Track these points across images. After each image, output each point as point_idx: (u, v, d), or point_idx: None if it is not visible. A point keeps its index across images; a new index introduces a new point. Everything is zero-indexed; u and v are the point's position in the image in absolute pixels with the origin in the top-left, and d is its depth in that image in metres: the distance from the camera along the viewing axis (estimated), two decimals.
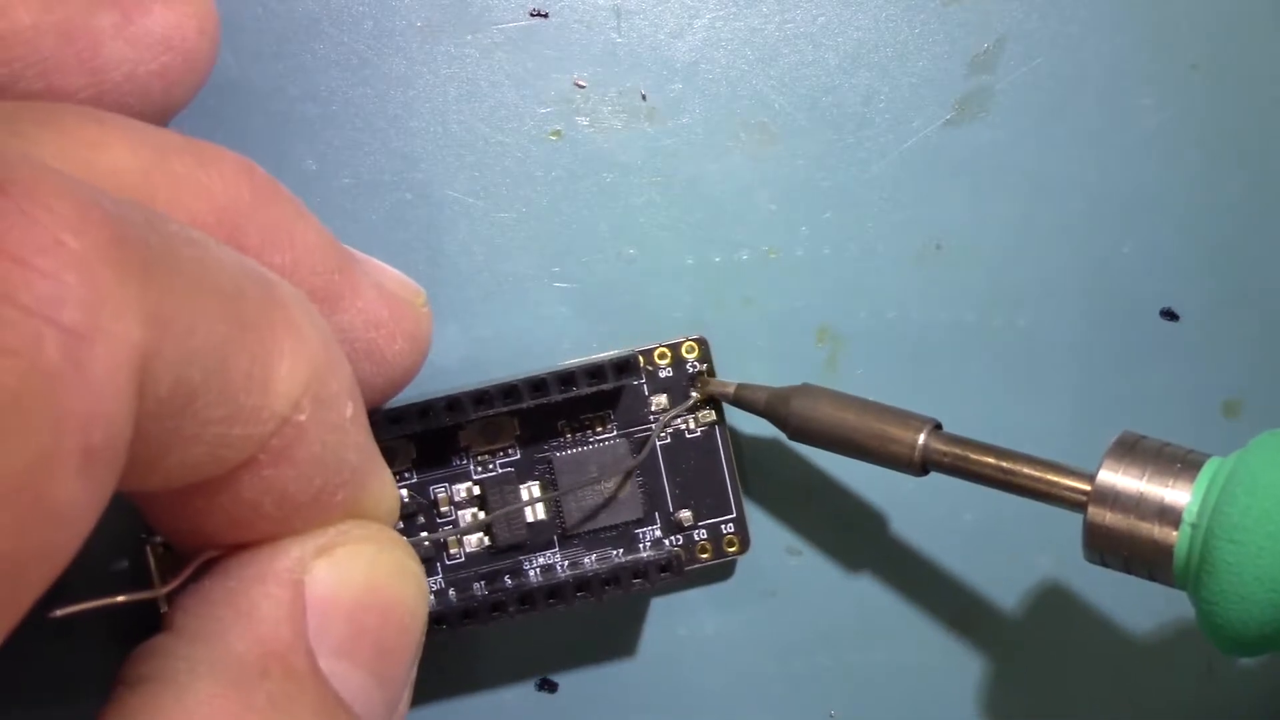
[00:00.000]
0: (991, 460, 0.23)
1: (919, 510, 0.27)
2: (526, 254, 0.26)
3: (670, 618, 0.27)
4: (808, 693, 0.27)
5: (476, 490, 0.25)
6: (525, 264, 0.26)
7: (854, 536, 0.27)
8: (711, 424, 0.26)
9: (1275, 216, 0.28)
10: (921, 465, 0.24)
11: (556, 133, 0.26)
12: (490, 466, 0.25)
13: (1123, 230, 0.28)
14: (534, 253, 0.26)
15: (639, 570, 0.24)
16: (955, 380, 0.27)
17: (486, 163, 0.26)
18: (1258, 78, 0.28)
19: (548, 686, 0.26)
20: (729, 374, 0.26)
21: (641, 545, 0.25)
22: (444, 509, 0.25)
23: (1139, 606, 0.28)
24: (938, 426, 0.24)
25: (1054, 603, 0.28)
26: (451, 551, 0.25)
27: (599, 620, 0.27)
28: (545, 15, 0.26)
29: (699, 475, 0.26)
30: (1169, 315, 0.28)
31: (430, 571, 0.24)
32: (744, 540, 0.26)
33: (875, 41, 0.27)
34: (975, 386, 0.27)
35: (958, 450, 0.24)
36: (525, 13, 0.26)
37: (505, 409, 0.24)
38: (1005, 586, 0.28)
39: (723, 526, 0.26)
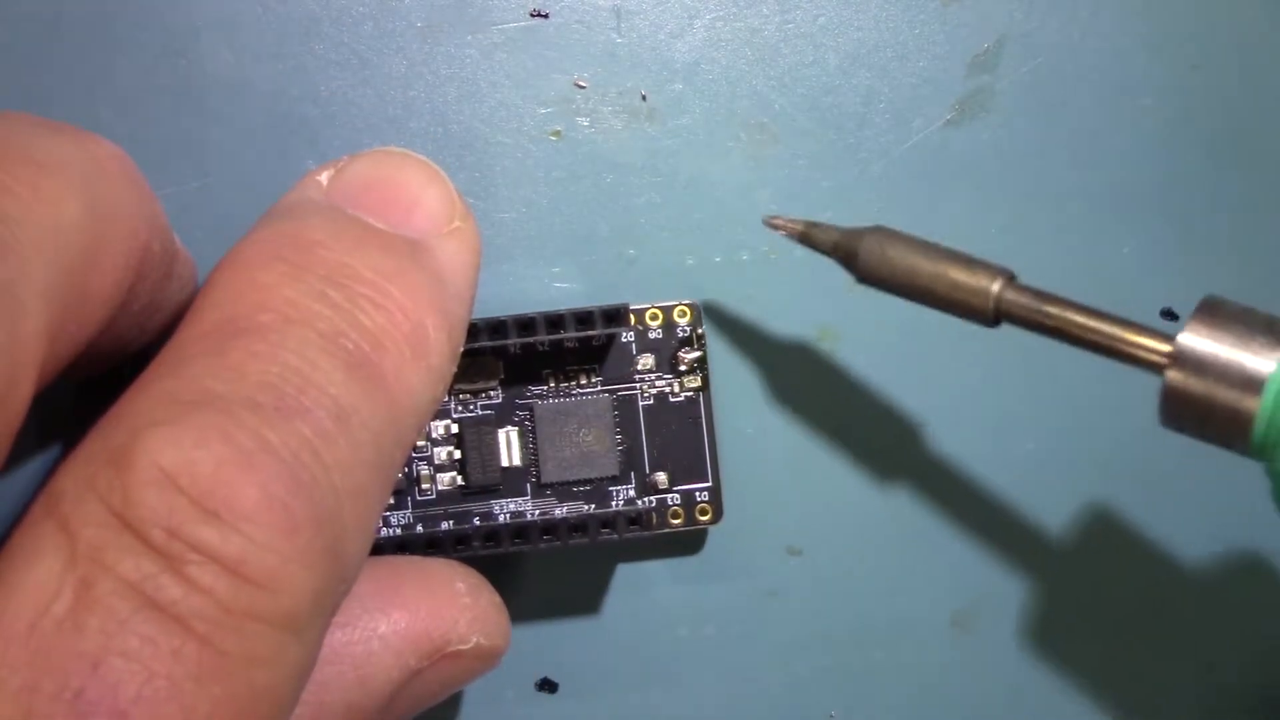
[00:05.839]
0: (1069, 314, 0.22)
1: (918, 509, 0.27)
2: (526, 254, 0.26)
3: (671, 618, 0.27)
4: (808, 693, 0.27)
5: (455, 429, 0.25)
6: (525, 264, 0.26)
7: (854, 536, 0.27)
8: (696, 390, 0.26)
9: (1275, 216, 0.28)
10: (995, 316, 0.23)
11: (556, 133, 0.26)
12: (471, 407, 0.25)
13: (1123, 230, 0.28)
14: (534, 253, 0.26)
15: (607, 520, 0.24)
16: (955, 380, 0.27)
17: (486, 163, 0.26)
18: (1258, 78, 0.28)
19: (548, 686, 0.26)
20: (729, 373, 0.26)
21: (614, 503, 0.25)
22: (419, 443, 0.25)
23: (1138, 606, 0.28)
24: (1012, 277, 0.23)
25: (1053, 602, 0.28)
26: (423, 487, 0.25)
27: (598, 618, 0.27)
28: (545, 15, 0.26)
29: (679, 440, 0.26)
30: (1169, 315, 0.28)
31: (399, 505, 0.25)
32: (717, 510, 0.26)
33: (875, 41, 0.27)
34: (975, 386, 0.27)
35: (1033, 301, 0.22)
36: (525, 13, 0.26)
37: (491, 344, 0.24)
38: (1005, 586, 0.28)
39: (697, 494, 0.26)
